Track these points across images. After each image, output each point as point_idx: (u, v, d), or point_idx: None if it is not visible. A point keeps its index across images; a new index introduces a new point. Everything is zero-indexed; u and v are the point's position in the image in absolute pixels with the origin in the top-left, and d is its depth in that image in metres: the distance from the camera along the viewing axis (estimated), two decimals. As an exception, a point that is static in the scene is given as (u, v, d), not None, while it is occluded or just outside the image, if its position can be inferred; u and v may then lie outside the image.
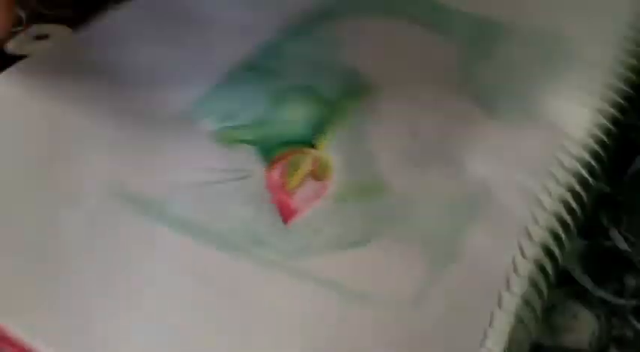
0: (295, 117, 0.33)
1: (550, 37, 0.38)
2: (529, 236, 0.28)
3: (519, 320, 0.25)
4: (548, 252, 0.27)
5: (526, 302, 0.26)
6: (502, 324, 0.25)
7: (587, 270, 0.30)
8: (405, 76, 0.36)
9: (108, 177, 0.29)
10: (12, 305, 0.24)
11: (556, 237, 0.28)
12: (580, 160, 0.31)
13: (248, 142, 0.32)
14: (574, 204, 0.29)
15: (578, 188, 0.30)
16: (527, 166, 0.31)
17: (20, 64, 0.35)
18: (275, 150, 0.32)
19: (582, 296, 0.29)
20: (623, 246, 0.32)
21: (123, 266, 0.26)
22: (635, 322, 0.29)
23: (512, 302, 0.25)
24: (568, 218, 0.29)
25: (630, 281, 0.30)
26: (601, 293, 0.30)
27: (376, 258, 0.27)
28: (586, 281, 0.30)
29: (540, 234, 0.28)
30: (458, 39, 0.38)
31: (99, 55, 0.36)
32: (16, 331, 0.24)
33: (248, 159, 0.31)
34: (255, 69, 0.35)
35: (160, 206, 0.28)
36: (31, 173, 0.29)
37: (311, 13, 0.39)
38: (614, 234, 0.32)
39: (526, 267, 0.26)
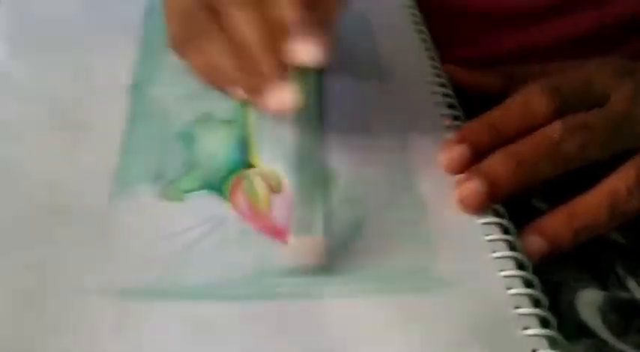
0: (215, 147, 0.32)
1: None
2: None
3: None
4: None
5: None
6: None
7: (606, 322, 0.28)
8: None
9: (103, 283, 0.26)
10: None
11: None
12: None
13: (196, 189, 0.30)
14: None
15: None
16: None
17: None
18: (223, 185, 0.30)
19: (603, 349, 0.27)
20: (641, 296, 0.30)
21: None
22: (657, 375, 0.26)
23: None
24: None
25: (651, 334, 0.28)
26: (622, 347, 0.27)
27: (379, 236, 0.28)
28: (606, 334, 0.28)
29: None
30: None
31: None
32: None
33: (209, 205, 0.29)
34: (144, 121, 0.33)
35: (175, 285, 0.26)
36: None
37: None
38: (632, 284, 0.30)
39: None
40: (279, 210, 0.29)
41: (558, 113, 0.31)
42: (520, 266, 0.28)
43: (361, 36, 0.39)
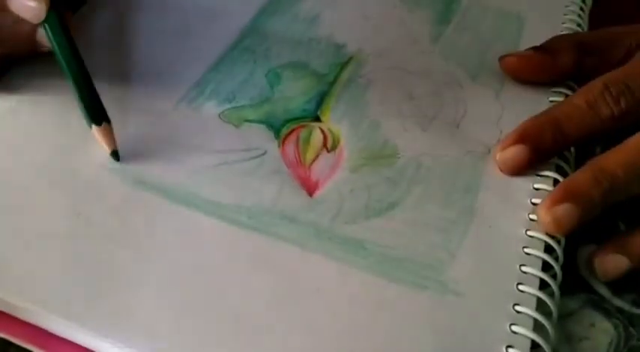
0: (294, 93, 0.33)
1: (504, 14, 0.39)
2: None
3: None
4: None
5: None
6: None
7: (604, 279, 0.28)
8: (385, 44, 0.36)
9: (128, 167, 0.29)
10: (46, 290, 0.24)
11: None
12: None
13: (255, 121, 0.31)
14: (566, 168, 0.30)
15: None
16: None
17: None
18: (283, 127, 0.31)
19: (600, 304, 0.27)
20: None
21: (160, 256, 0.26)
22: (652, 333, 0.26)
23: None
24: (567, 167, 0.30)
25: (649, 292, 0.26)
26: (619, 303, 0.27)
27: (405, 222, 0.28)
28: (603, 290, 0.28)
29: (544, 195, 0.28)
30: (424, 9, 0.39)
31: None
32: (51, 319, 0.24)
33: (260, 137, 0.30)
34: (244, 51, 0.35)
35: (186, 191, 0.28)
36: (55, 161, 0.29)
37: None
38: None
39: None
40: (321, 166, 0.30)
41: (628, 115, 0.28)
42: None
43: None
